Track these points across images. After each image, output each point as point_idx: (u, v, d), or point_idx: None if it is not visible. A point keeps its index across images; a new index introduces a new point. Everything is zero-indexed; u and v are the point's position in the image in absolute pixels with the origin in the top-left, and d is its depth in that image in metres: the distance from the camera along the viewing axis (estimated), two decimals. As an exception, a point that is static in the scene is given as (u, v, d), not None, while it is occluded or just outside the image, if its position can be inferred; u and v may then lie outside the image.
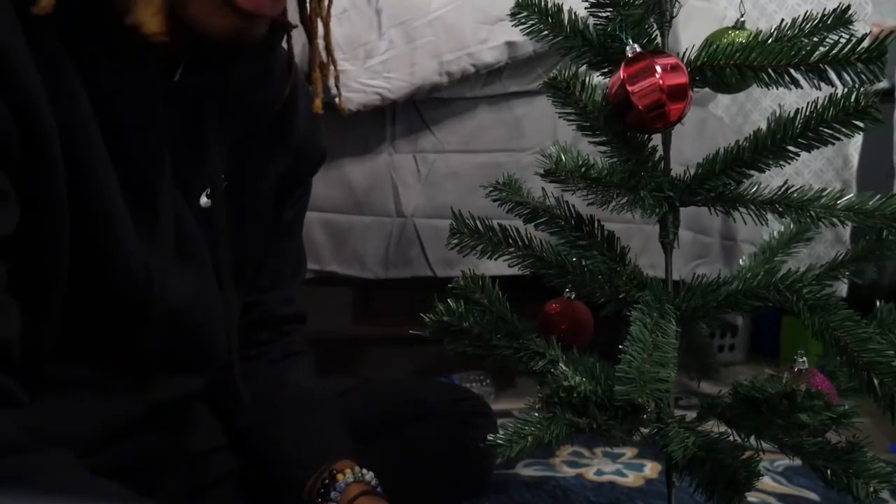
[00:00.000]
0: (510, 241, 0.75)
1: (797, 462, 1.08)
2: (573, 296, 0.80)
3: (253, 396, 0.77)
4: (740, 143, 0.65)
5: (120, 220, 0.59)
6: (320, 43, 0.71)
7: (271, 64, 0.72)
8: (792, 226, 0.85)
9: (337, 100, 0.82)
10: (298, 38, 0.71)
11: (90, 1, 0.56)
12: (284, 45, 0.72)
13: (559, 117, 0.68)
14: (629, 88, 0.62)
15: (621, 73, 0.63)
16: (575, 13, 0.70)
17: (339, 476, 0.70)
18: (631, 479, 1.04)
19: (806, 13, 0.67)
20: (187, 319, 0.66)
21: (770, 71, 0.62)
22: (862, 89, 0.59)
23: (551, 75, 0.66)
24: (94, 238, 0.58)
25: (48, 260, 0.56)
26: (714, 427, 0.68)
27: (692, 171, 0.69)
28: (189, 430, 0.74)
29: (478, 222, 0.75)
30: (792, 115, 0.62)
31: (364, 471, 0.72)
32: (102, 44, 0.57)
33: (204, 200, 0.68)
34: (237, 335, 0.74)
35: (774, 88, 0.63)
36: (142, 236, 0.61)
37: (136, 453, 0.66)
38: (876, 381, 0.58)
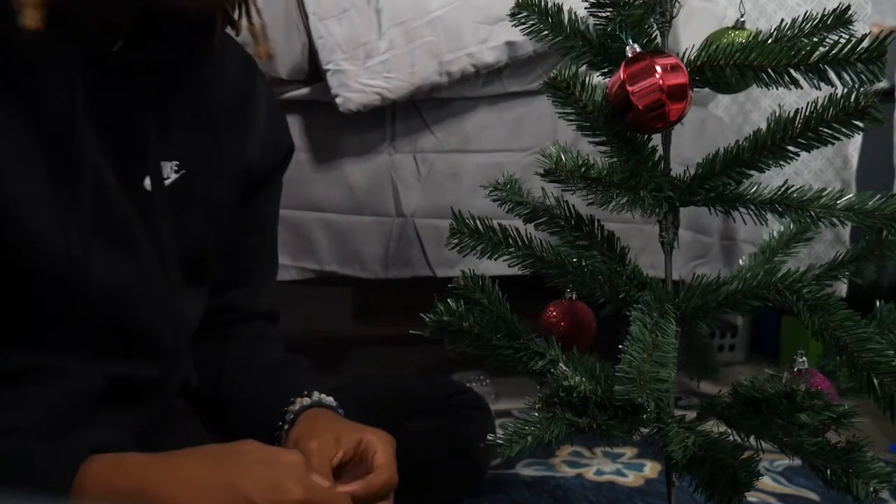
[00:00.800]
0: (510, 241, 0.75)
1: (797, 462, 1.08)
2: (574, 296, 0.80)
3: (228, 364, 0.78)
4: (740, 143, 0.65)
5: (29, 201, 0.58)
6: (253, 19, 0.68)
7: (224, 53, 0.72)
8: (792, 226, 0.85)
9: (338, 100, 0.81)
10: (297, 38, 0.71)
11: None
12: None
13: (559, 117, 0.68)
14: (629, 88, 0.62)
15: (621, 73, 0.63)
16: (575, 13, 0.70)
17: (298, 400, 0.72)
18: (631, 479, 1.04)
19: (806, 13, 0.67)
20: (117, 300, 0.65)
21: (770, 71, 0.62)
22: (862, 89, 0.59)
23: (551, 75, 0.66)
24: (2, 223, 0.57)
25: None
26: (714, 427, 0.68)
27: (692, 171, 0.69)
28: (160, 425, 0.73)
29: (478, 222, 0.75)
30: (792, 115, 0.62)
31: (324, 396, 0.73)
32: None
33: (147, 184, 0.67)
34: (187, 324, 0.74)
35: (774, 88, 0.63)
36: (64, 218, 0.60)
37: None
38: (876, 381, 0.58)
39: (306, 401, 0.72)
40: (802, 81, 0.62)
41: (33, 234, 0.59)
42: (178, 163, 0.70)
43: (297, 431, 0.69)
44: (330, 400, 0.74)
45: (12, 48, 0.58)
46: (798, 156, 0.64)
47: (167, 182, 0.69)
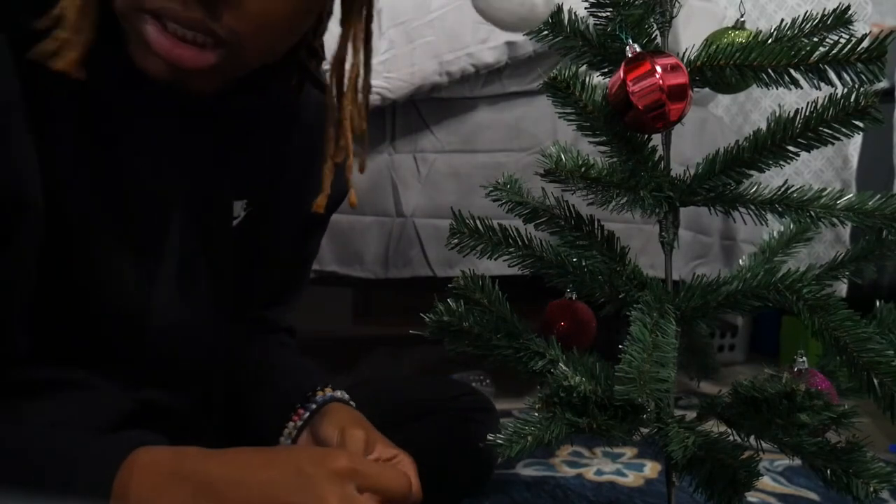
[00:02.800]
0: (510, 241, 0.75)
1: (797, 462, 1.08)
2: (574, 296, 0.80)
3: (249, 358, 0.81)
4: (740, 143, 0.65)
5: (106, 234, 0.60)
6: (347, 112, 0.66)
7: (300, 98, 0.72)
8: (792, 226, 0.85)
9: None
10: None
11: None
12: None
13: (559, 117, 0.68)
14: (629, 88, 0.62)
15: (621, 73, 0.63)
16: (575, 13, 0.70)
17: (321, 392, 0.74)
18: (631, 479, 1.04)
19: (806, 13, 0.67)
20: (168, 337, 0.67)
21: (770, 71, 0.62)
22: (862, 89, 0.59)
23: (551, 75, 0.66)
24: (73, 259, 0.58)
25: (14, 272, 0.56)
26: (714, 427, 0.68)
27: (692, 171, 0.69)
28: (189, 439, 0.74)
29: (478, 222, 0.75)
30: (792, 115, 0.62)
31: (346, 394, 0.76)
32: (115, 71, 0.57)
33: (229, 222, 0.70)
34: (227, 356, 0.77)
35: (774, 88, 0.63)
36: (136, 254, 0.62)
37: None
38: (876, 381, 0.58)
39: (337, 393, 0.75)
40: (802, 81, 0.62)
41: (104, 264, 0.60)
42: (246, 202, 0.71)
43: (338, 419, 0.70)
44: (353, 403, 0.76)
45: (114, 99, 0.58)
46: (798, 156, 0.64)
47: (236, 221, 0.71)
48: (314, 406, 0.73)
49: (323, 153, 0.67)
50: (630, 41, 0.65)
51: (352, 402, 0.77)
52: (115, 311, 0.62)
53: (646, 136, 0.68)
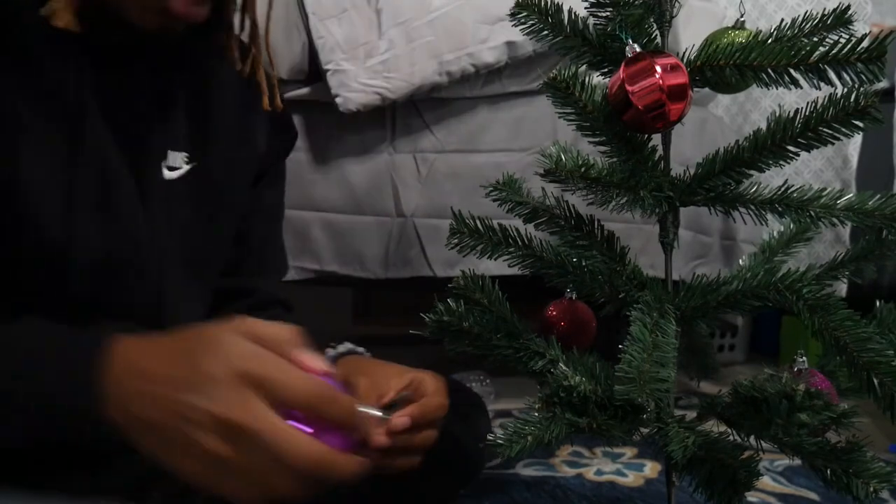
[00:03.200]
0: (510, 241, 0.75)
1: (797, 462, 1.08)
2: (574, 296, 0.80)
3: None
4: (740, 143, 0.65)
5: (33, 177, 0.60)
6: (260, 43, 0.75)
7: (221, 66, 0.75)
8: (792, 226, 0.85)
9: (338, 100, 0.83)
10: (297, 38, 0.72)
11: None
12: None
13: (559, 117, 0.68)
14: (629, 88, 0.62)
15: (621, 73, 0.63)
16: (575, 13, 0.70)
17: (329, 349, 0.74)
18: (631, 479, 1.04)
19: (806, 13, 0.67)
20: (100, 277, 0.65)
21: (770, 71, 0.62)
22: (861, 89, 0.59)
23: (551, 75, 0.66)
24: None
25: None
26: (714, 427, 0.68)
27: (692, 171, 0.69)
28: None
29: (478, 222, 0.75)
30: (792, 115, 0.62)
31: (356, 347, 0.76)
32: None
33: (167, 174, 0.69)
34: (178, 311, 0.72)
35: (774, 88, 0.63)
36: (63, 192, 0.62)
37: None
38: (876, 381, 0.58)
39: (342, 348, 0.75)
40: (802, 81, 0.62)
41: (31, 205, 0.60)
42: (187, 155, 0.71)
43: (342, 371, 0.69)
44: (362, 350, 0.76)
45: (27, 33, 0.60)
46: (798, 156, 0.64)
47: (178, 172, 0.70)
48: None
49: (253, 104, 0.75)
50: (630, 41, 0.65)
51: (358, 350, 0.75)
52: (41, 248, 0.61)
53: (646, 135, 0.68)
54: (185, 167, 0.71)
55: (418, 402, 0.63)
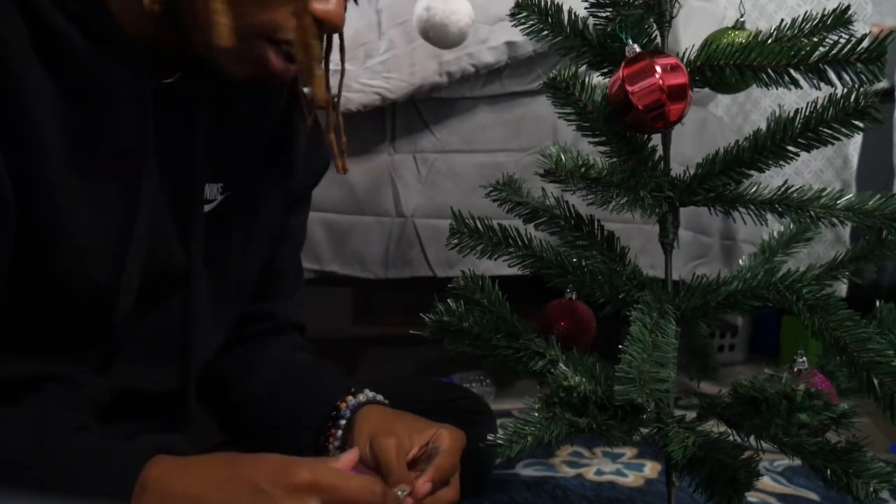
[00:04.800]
0: (510, 241, 0.75)
1: (797, 462, 1.08)
2: (574, 296, 0.80)
3: (265, 369, 0.80)
4: (740, 143, 0.65)
5: (85, 224, 0.60)
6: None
7: (265, 94, 0.74)
8: (792, 226, 0.85)
9: (336, 100, 0.82)
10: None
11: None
12: None
13: (559, 117, 0.68)
14: (629, 88, 0.62)
15: (621, 73, 0.63)
16: (575, 13, 0.70)
17: (349, 398, 0.74)
18: (631, 479, 1.04)
19: (806, 13, 0.67)
20: (146, 326, 0.67)
21: (770, 71, 0.62)
22: (861, 89, 0.59)
23: (551, 75, 0.66)
24: (44, 235, 0.58)
25: None
26: (714, 427, 0.68)
27: (692, 171, 0.69)
28: (177, 426, 0.74)
29: (478, 222, 0.75)
30: (792, 115, 0.62)
31: (376, 394, 0.76)
32: (95, 34, 0.58)
33: (205, 207, 0.70)
34: (211, 345, 0.76)
35: (774, 88, 0.63)
36: (115, 244, 0.62)
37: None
38: (876, 381, 0.58)
39: (361, 397, 0.75)
40: (802, 81, 0.62)
41: (81, 254, 0.60)
42: (222, 185, 0.72)
43: (368, 428, 0.71)
44: (381, 398, 0.76)
45: (91, 76, 0.59)
46: (798, 156, 0.64)
47: (213, 204, 0.71)
48: (344, 421, 0.73)
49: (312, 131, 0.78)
50: (630, 41, 0.65)
51: (378, 397, 0.76)
52: (86, 292, 0.61)
53: (645, 136, 0.68)
54: (219, 197, 0.72)
55: (435, 464, 0.66)
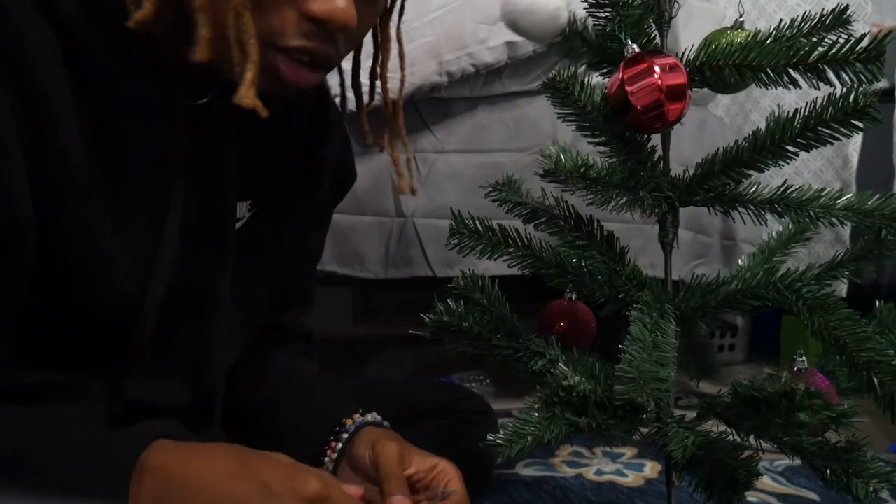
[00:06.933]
0: (510, 241, 0.75)
1: (797, 462, 1.08)
2: (574, 296, 0.80)
3: (274, 378, 0.80)
4: (740, 143, 0.65)
5: (112, 241, 0.60)
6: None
7: (293, 109, 0.74)
8: (791, 226, 0.85)
9: (338, 100, 0.82)
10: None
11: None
12: None
13: (559, 117, 0.68)
14: (628, 89, 0.62)
15: (620, 74, 0.63)
16: (574, 13, 0.70)
17: (356, 416, 0.74)
18: (631, 479, 1.04)
19: (805, 13, 0.67)
20: (172, 346, 0.67)
21: (769, 71, 0.62)
22: (861, 89, 0.59)
23: (551, 75, 0.66)
24: (69, 256, 0.58)
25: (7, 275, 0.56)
26: (714, 427, 0.68)
27: (692, 171, 0.69)
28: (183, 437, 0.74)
29: (478, 222, 0.75)
30: (791, 115, 0.62)
31: (381, 419, 0.76)
32: (129, 56, 0.58)
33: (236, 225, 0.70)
34: (230, 360, 0.76)
35: (774, 88, 0.63)
36: (142, 262, 0.62)
37: None
38: (876, 381, 0.58)
39: (368, 417, 0.75)
40: (801, 81, 0.62)
41: (105, 277, 0.60)
42: (251, 202, 0.71)
43: (371, 437, 0.70)
44: (387, 424, 0.76)
45: (124, 97, 0.59)
46: (797, 156, 0.64)
47: (241, 222, 0.71)
48: (346, 436, 0.73)
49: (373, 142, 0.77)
50: (629, 41, 0.65)
51: (385, 423, 0.76)
52: (108, 314, 0.61)
53: (645, 136, 0.68)
54: (248, 214, 0.72)
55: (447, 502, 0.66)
